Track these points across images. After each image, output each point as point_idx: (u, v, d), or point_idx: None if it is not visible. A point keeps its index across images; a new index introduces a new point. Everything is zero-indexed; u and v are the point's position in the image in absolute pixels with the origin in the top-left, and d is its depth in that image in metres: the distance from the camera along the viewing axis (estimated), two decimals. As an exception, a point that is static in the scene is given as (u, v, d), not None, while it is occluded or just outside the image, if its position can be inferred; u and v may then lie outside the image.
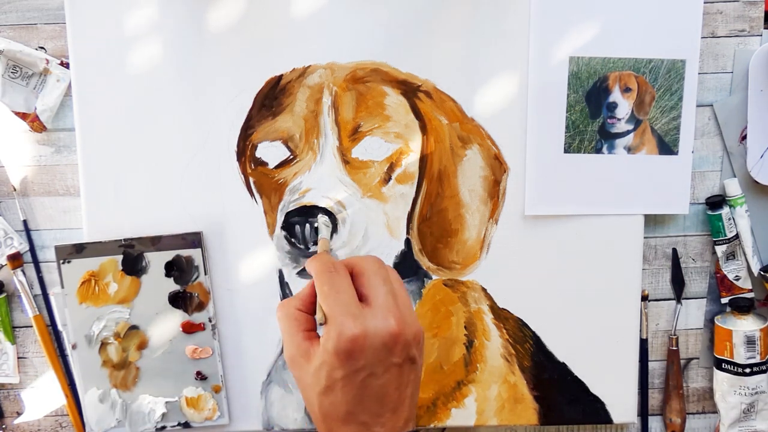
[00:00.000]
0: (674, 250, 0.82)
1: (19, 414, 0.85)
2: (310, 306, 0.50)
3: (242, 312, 0.80)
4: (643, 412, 0.85)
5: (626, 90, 0.76)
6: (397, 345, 0.45)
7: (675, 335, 0.83)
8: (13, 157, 0.80)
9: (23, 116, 0.77)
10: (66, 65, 0.77)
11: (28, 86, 0.77)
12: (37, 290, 0.81)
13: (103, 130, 0.77)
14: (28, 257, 0.80)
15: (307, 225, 0.75)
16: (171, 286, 0.78)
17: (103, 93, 0.76)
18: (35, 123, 0.78)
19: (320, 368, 0.44)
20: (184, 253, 0.78)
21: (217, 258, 0.79)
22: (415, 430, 0.48)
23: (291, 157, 0.77)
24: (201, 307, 0.79)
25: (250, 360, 0.81)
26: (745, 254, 0.81)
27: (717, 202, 0.80)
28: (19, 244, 0.80)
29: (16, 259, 0.80)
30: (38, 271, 0.80)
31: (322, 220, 0.71)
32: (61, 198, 0.80)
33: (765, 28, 0.78)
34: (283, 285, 0.79)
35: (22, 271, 0.80)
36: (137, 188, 0.78)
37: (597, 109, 0.77)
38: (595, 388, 0.81)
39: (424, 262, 0.79)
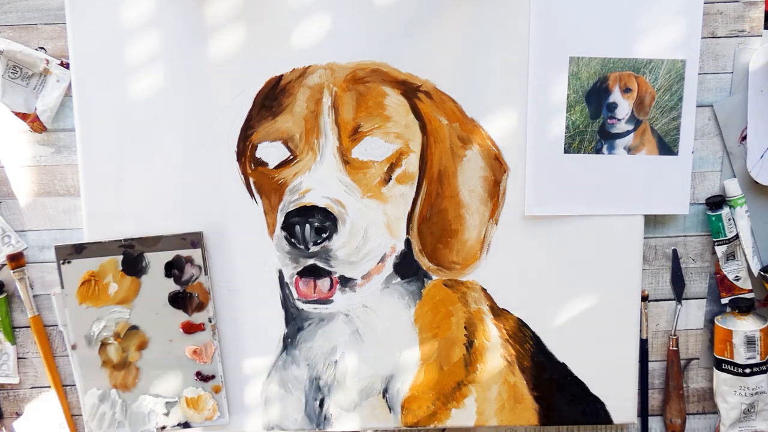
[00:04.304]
0: (674, 251, 0.82)
1: (18, 415, 0.85)
2: None
3: (242, 312, 0.80)
4: (643, 413, 0.85)
5: (626, 90, 0.76)
6: None
7: (675, 335, 0.83)
8: (13, 158, 0.80)
9: (23, 116, 0.77)
10: (66, 65, 0.77)
11: (28, 86, 0.77)
12: (38, 290, 0.81)
13: (103, 131, 0.77)
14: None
15: (307, 225, 0.75)
16: (171, 286, 0.78)
17: (103, 93, 0.76)
18: (35, 123, 0.78)
19: None
20: (184, 253, 0.78)
21: (217, 258, 0.79)
22: None
23: (291, 157, 0.77)
24: (201, 307, 0.79)
25: (250, 360, 0.81)
26: (745, 254, 0.81)
27: (717, 202, 0.80)
28: (17, 243, 0.80)
29: (16, 260, 0.80)
30: None
31: None
32: (62, 198, 0.80)
33: (765, 29, 0.78)
34: (283, 285, 0.79)
35: (23, 271, 0.80)
36: (137, 188, 0.78)
37: (597, 109, 0.77)
38: (595, 389, 0.81)
39: (424, 263, 0.79)
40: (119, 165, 0.77)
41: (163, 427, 0.80)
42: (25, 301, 0.80)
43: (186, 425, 0.80)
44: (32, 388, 0.84)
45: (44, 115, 0.77)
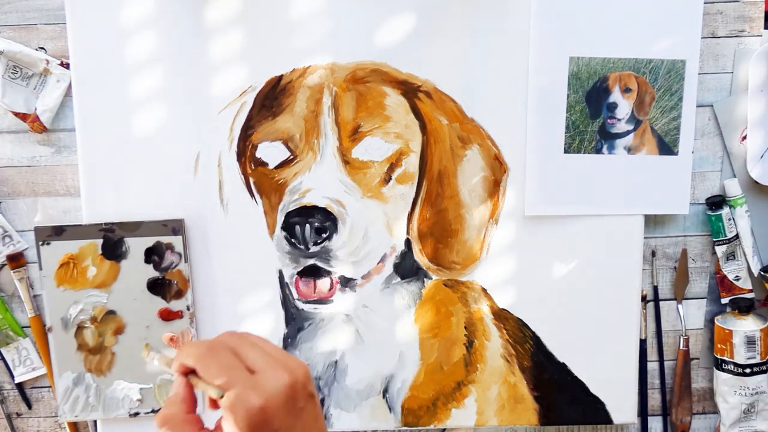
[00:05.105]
0: (684, 251, 0.82)
1: (19, 415, 0.85)
2: (193, 406, 0.49)
3: (243, 313, 0.80)
4: (643, 413, 0.85)
5: (626, 90, 0.76)
6: (297, 393, 0.46)
7: (686, 335, 0.83)
8: (14, 158, 0.80)
9: (23, 117, 0.77)
10: (66, 66, 0.77)
11: (28, 87, 0.77)
12: (38, 290, 0.81)
13: (104, 131, 0.77)
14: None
15: (307, 225, 0.75)
16: (150, 272, 0.78)
17: (103, 93, 0.76)
18: (35, 123, 0.78)
19: None
20: (165, 239, 0.77)
21: (217, 258, 0.79)
22: None
23: (291, 157, 0.77)
24: (180, 294, 0.78)
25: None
26: (745, 254, 0.81)
27: (717, 202, 0.80)
28: (18, 243, 0.80)
29: (16, 260, 0.80)
30: None
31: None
32: (62, 198, 0.80)
33: (765, 29, 0.78)
34: (283, 285, 0.79)
35: (23, 270, 0.80)
36: (137, 189, 0.78)
37: (597, 109, 0.77)
38: (595, 389, 0.81)
39: (424, 263, 0.79)
40: (119, 165, 0.77)
41: (137, 414, 0.80)
42: (26, 301, 0.80)
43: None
44: (32, 388, 0.84)
45: (44, 116, 0.77)
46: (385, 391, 0.81)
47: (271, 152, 0.77)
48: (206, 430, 0.47)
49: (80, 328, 0.78)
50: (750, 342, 0.79)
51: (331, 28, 0.75)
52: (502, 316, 0.80)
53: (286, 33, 0.76)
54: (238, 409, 0.43)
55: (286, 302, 0.80)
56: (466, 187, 0.78)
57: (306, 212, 0.75)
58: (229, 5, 0.75)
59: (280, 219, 0.77)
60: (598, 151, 0.78)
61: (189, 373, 0.48)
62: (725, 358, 0.81)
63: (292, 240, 0.76)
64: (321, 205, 0.75)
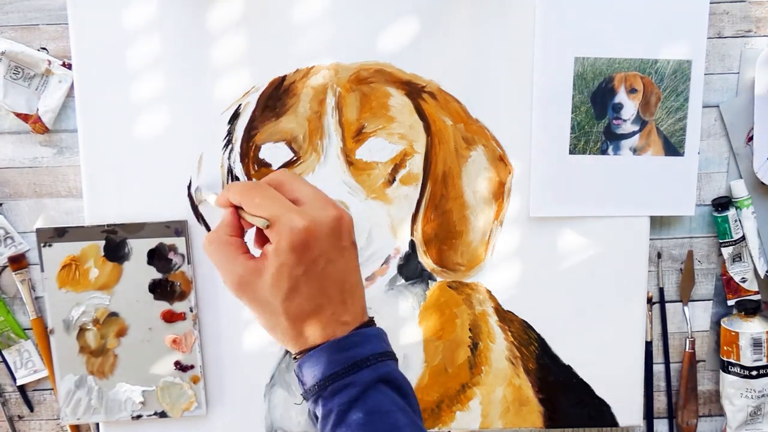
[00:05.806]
0: (690, 253, 0.81)
1: (20, 417, 0.84)
2: (239, 231, 0.50)
3: (246, 315, 0.80)
4: (648, 415, 0.84)
5: (632, 91, 0.76)
6: (342, 229, 0.47)
7: (692, 338, 0.83)
8: (15, 159, 0.79)
9: (25, 117, 0.77)
10: (68, 66, 0.77)
11: (30, 87, 0.77)
12: (40, 292, 0.80)
13: (106, 131, 0.76)
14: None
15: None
16: (153, 273, 0.77)
17: (105, 94, 0.76)
18: (37, 124, 0.77)
19: (279, 273, 0.45)
20: (168, 241, 0.77)
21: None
22: (371, 319, 0.50)
23: (294, 158, 0.77)
24: (183, 296, 0.78)
25: (253, 363, 0.80)
26: (751, 256, 0.80)
27: (723, 203, 0.79)
28: (19, 244, 0.79)
29: (17, 261, 0.79)
30: None
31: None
32: (64, 200, 0.80)
33: (772, 29, 0.78)
34: (287, 287, 0.79)
35: (25, 272, 0.80)
36: (140, 190, 0.77)
37: (602, 110, 0.76)
38: (600, 391, 0.81)
39: (429, 264, 0.79)
40: (122, 166, 0.77)
41: (139, 416, 0.79)
42: (27, 303, 0.80)
43: (162, 414, 0.80)
44: (34, 391, 0.84)
45: (46, 116, 0.77)
46: (389, 394, 0.80)
47: (274, 153, 0.77)
48: (250, 255, 0.48)
49: (82, 330, 0.78)
50: (756, 344, 0.79)
51: (334, 28, 0.75)
52: (507, 318, 0.80)
53: (290, 33, 0.75)
54: (282, 229, 0.45)
55: (290, 304, 0.79)
56: (470, 189, 0.78)
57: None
58: (232, 6, 0.74)
59: (284, 220, 0.76)
60: (604, 152, 0.77)
61: (238, 208, 0.49)
62: (731, 360, 0.80)
63: (296, 241, 0.75)
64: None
